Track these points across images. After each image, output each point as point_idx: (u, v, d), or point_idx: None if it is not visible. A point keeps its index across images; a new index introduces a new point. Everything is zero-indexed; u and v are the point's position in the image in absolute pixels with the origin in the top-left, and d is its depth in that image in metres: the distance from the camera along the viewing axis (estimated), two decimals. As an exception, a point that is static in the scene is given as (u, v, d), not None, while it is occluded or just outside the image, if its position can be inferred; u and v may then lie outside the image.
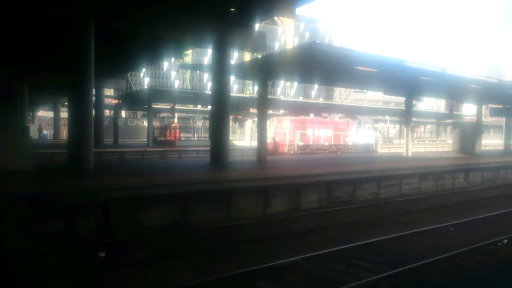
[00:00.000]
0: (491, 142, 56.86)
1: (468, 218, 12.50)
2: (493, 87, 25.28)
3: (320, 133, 34.01)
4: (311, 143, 33.20)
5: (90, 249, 8.87)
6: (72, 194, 9.88)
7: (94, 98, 17.76)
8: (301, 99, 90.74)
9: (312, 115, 38.00)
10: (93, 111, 15.60)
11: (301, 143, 32.44)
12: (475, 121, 32.07)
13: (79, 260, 8.35)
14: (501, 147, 38.48)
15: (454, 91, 28.61)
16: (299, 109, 43.12)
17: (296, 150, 31.90)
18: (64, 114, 45.69)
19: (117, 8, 14.62)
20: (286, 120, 33.25)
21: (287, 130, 32.16)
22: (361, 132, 37.18)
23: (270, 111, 51.87)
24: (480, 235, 10.63)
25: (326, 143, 34.23)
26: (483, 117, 34.42)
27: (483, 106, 35.63)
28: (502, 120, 41.53)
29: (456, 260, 8.59)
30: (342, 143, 35.22)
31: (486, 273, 8.09)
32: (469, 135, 28.06)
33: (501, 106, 35.85)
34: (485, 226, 11.93)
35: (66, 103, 35.00)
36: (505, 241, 10.07)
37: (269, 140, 33.51)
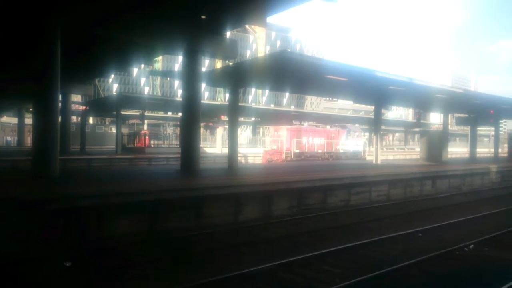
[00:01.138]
0: (457, 150, 58.50)
1: (436, 224, 12.72)
2: (458, 97, 26.01)
3: (314, 141, 35.66)
4: (306, 150, 34.56)
5: (56, 259, 8.53)
6: (37, 201, 9.55)
7: (60, 104, 17.37)
8: (272, 106, 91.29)
9: (306, 124, 39.43)
10: (59, 117, 15.22)
11: (297, 151, 33.76)
12: (442, 129, 32.88)
13: (43, 270, 8.03)
14: (467, 155, 39.57)
15: (421, 100, 29.30)
16: (274, 117, 43.86)
17: (292, 157, 33.08)
18: (29, 120, 44.38)
19: (85, 15, 14.38)
20: (283, 129, 34.72)
21: (284, 139, 33.66)
22: (350, 140, 39.02)
23: (241, 119, 52.00)
24: (448, 240, 10.81)
25: (320, 151, 35.79)
26: (449, 125, 35.35)
27: (449, 115, 36.62)
28: (467, 129, 42.75)
29: (425, 265, 8.70)
30: (334, 150, 36.95)
31: (454, 277, 8.22)
32: (436, 143, 28.70)
33: (466, 115, 36.88)
34: (452, 232, 12.15)
35: (31, 109, 34.05)
36: (471, 246, 10.28)
37: (267, 148, 35.65)
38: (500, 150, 43.31)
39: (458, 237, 11.22)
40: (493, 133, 43.68)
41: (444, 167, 24.20)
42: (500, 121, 45.88)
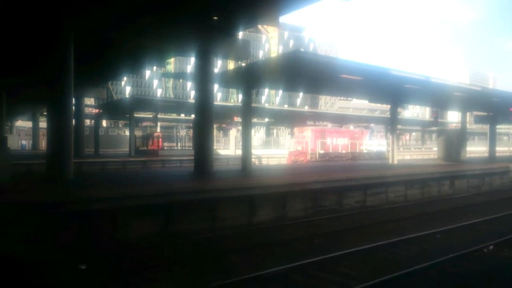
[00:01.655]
0: (475, 149, 57.45)
1: (454, 225, 12.43)
2: (477, 95, 25.50)
3: (338, 142, 36.32)
4: (330, 151, 35.15)
5: (71, 261, 8.52)
6: (52, 204, 9.57)
7: (74, 108, 17.49)
8: (286, 107, 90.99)
9: (329, 125, 39.71)
10: (73, 120, 15.30)
11: (322, 151, 34.39)
12: (460, 128, 32.30)
13: (58, 273, 8.01)
14: (486, 154, 38.85)
15: (438, 99, 28.80)
16: (288, 117, 43.92)
17: (317, 157, 33.67)
18: (43, 124, 44.91)
19: (98, 20, 14.47)
20: (308, 130, 35.56)
21: (309, 140, 34.33)
22: (374, 140, 39.64)
23: (255, 120, 51.96)
24: (466, 241, 10.54)
25: (344, 151, 36.34)
26: (467, 124, 34.75)
27: (468, 113, 35.99)
28: (486, 127, 41.97)
29: (443, 267, 8.47)
30: (357, 151, 37.36)
31: (473, 279, 7.97)
32: (454, 142, 28.18)
33: (485, 113, 36.20)
34: (471, 233, 11.87)
35: (45, 113, 34.44)
36: (491, 247, 10.01)
37: (292, 149, 36.50)
38: (520, 148, 42.44)
39: (477, 238, 10.95)
40: (512, 131, 42.82)
41: (463, 166, 23.75)
42: (520, 119, 44.96)
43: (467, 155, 30.57)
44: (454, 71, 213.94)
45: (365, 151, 38.08)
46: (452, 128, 52.33)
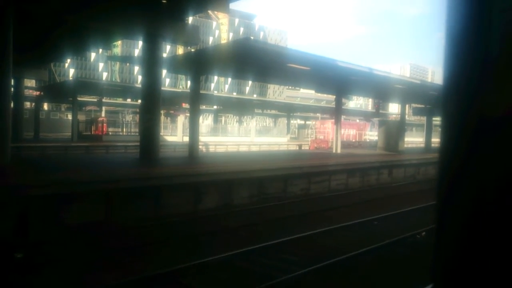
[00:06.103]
0: (413, 140, 60.13)
1: (390, 212, 13.09)
2: (416, 88, 26.66)
3: (349, 132, 43.35)
4: (345, 139, 39.95)
5: (6, 250, 8.23)
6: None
7: (12, 89, 16.67)
8: (235, 95, 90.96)
9: (342, 118, 46.12)
10: (11, 102, 14.60)
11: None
12: (399, 119, 33.68)
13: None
14: (422, 145, 40.82)
15: (381, 91, 29.89)
16: (236, 105, 46.18)
17: None
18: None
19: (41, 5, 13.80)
20: (329, 122, 42.18)
21: (330, 130, 40.07)
22: (374, 131, 46.39)
23: (203, 107, 51.59)
24: (401, 228, 11.14)
25: (353, 140, 43.04)
26: (406, 116, 36.32)
27: (407, 105, 37.58)
28: (423, 119, 44.09)
29: (379, 253, 8.93)
30: (362, 140, 44.11)
31: (406, 264, 8.47)
32: (393, 133, 29.41)
33: (423, 105, 37.92)
34: (406, 220, 12.55)
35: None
36: (423, 233, 10.64)
37: (314, 138, 43.16)
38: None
39: (411, 224, 11.57)
40: (447, 123, 45.17)
41: (400, 156, 24.87)
42: (455, 112, 47.44)
43: (405, 146, 32.01)
44: (396, 65, 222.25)
45: (367, 140, 44.70)
46: (392, 119, 54.85)
